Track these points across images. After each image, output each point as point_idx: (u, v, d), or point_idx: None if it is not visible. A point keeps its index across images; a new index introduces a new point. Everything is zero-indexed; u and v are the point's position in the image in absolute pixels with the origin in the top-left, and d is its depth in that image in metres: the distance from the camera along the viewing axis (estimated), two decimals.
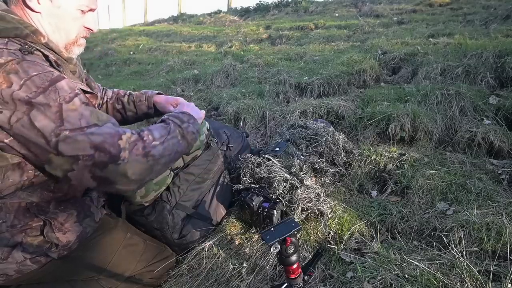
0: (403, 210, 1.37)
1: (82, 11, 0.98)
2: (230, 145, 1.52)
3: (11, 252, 0.97)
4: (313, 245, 1.27)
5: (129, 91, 1.43)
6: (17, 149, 0.85)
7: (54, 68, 0.91)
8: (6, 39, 0.86)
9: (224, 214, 1.44)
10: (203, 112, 1.27)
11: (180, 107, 1.23)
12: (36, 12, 0.92)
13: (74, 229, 1.04)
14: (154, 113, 1.40)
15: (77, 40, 1.02)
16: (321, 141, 1.66)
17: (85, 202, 1.11)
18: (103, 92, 1.38)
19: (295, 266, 0.93)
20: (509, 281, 0.93)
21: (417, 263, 1.00)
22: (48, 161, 0.85)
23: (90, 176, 0.87)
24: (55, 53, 0.95)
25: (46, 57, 0.90)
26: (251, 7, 9.33)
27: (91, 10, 1.00)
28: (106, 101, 1.38)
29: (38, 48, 0.90)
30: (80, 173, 0.86)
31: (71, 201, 1.06)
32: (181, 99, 1.36)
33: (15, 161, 0.88)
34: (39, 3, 0.91)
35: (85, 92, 1.04)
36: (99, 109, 1.37)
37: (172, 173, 1.32)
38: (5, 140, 0.83)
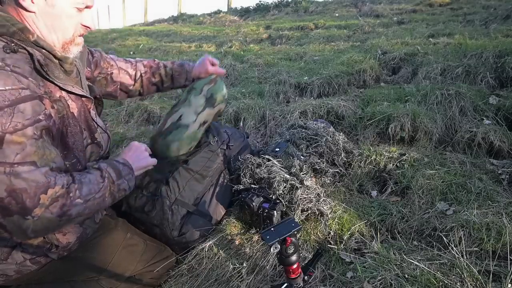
0: (403, 210, 1.37)
1: (78, 9, 0.93)
2: (230, 144, 1.52)
3: (10, 253, 0.97)
4: (313, 245, 1.27)
5: (163, 63, 1.48)
6: None
7: (38, 69, 0.86)
8: None
9: (223, 213, 1.44)
10: (153, 160, 1.18)
11: (126, 152, 1.13)
12: (30, 11, 0.88)
13: (74, 230, 1.04)
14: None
15: (74, 39, 0.97)
16: (321, 142, 1.66)
17: None
18: (135, 68, 1.41)
19: (295, 266, 0.93)
20: (509, 281, 0.93)
21: (417, 263, 1.01)
22: None
23: None
24: (47, 51, 0.90)
25: (31, 55, 0.86)
26: (251, 7, 9.34)
27: (87, 7, 0.96)
28: (141, 75, 1.42)
29: (25, 46, 0.85)
30: None
31: None
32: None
33: None
34: (33, 2, 0.87)
35: (80, 96, 1.01)
36: (135, 84, 1.41)
37: (202, 128, 1.38)
38: None
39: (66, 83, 0.96)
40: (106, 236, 1.15)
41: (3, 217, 0.79)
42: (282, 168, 1.43)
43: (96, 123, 1.08)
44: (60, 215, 0.84)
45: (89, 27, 0.99)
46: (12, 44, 0.83)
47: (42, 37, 0.90)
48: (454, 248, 1.04)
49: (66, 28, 0.93)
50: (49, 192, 0.81)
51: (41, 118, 0.83)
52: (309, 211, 1.31)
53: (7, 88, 0.78)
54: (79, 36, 0.98)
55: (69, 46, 0.97)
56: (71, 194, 0.86)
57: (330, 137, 1.69)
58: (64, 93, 0.95)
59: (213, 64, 1.48)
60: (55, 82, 0.91)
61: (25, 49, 0.85)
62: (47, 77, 0.89)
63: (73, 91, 0.98)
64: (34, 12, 0.88)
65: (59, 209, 0.84)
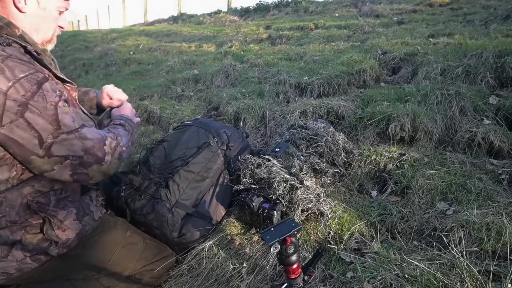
0: (403, 210, 1.37)
1: (60, 12, 1.05)
2: (230, 144, 1.52)
3: (10, 250, 0.98)
4: (313, 245, 1.27)
5: None
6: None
7: (35, 57, 0.93)
8: None
9: (223, 214, 1.44)
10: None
11: (125, 110, 1.32)
12: (22, 12, 0.96)
13: (73, 227, 1.05)
14: (97, 112, 1.44)
15: (52, 38, 1.08)
16: (321, 142, 1.66)
17: (85, 200, 1.12)
18: None
19: (295, 266, 0.93)
20: (509, 281, 0.93)
21: (417, 263, 1.01)
22: (28, 162, 0.90)
23: (69, 174, 0.96)
24: (30, 45, 0.97)
25: (25, 48, 0.92)
26: (251, 7, 9.33)
27: (66, 9, 1.07)
28: None
29: (15, 40, 0.91)
30: (59, 173, 0.95)
31: (70, 199, 1.07)
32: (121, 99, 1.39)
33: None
34: (26, 4, 0.95)
35: (64, 81, 1.06)
36: None
37: None
38: None
39: (57, 72, 1.03)
40: (106, 234, 1.16)
41: (86, 168, 0.98)
42: (282, 168, 1.43)
43: (83, 110, 1.11)
44: (119, 159, 1.08)
45: (63, 27, 1.11)
46: (3, 38, 0.90)
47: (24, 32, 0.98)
48: (454, 248, 1.04)
49: (49, 29, 1.05)
50: (107, 144, 1.03)
51: (58, 93, 0.94)
52: (309, 211, 1.31)
53: (26, 74, 0.86)
54: (56, 35, 1.10)
55: (48, 44, 1.08)
56: (120, 144, 1.09)
57: (330, 137, 1.69)
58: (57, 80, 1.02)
59: (111, 97, 1.40)
60: (50, 68, 0.99)
61: (16, 42, 0.92)
62: (45, 63, 0.97)
63: (63, 77, 1.05)
64: (24, 13, 0.96)
65: (118, 155, 1.07)
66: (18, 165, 0.93)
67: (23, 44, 0.92)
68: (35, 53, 0.94)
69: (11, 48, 0.89)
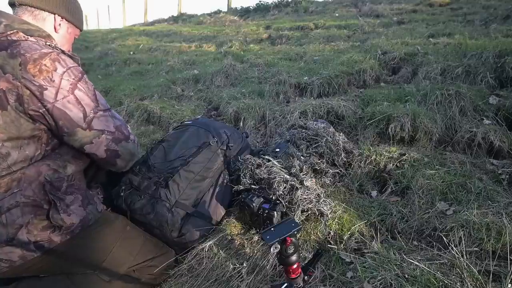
0: (403, 210, 1.37)
1: (74, 38, 1.34)
2: (230, 144, 1.52)
3: (17, 234, 1.03)
4: (313, 245, 1.27)
5: None
6: (47, 120, 1.04)
7: (72, 59, 1.16)
8: (34, 37, 1.09)
9: (223, 214, 1.43)
10: None
11: None
12: (56, 32, 1.24)
13: (78, 212, 1.12)
14: None
15: None
16: (321, 142, 1.66)
17: (89, 192, 1.21)
18: None
19: (295, 266, 0.93)
20: (509, 281, 0.93)
21: (417, 263, 1.01)
22: (73, 134, 1.09)
23: (104, 149, 1.16)
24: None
25: (63, 52, 1.14)
26: (251, 7, 9.33)
27: (78, 36, 1.37)
28: None
29: (55, 46, 1.14)
30: (96, 146, 1.14)
31: (77, 187, 1.15)
32: None
33: (35, 133, 1.05)
34: (60, 26, 1.24)
35: None
36: None
37: None
38: (40, 110, 1.02)
39: None
40: (107, 227, 1.20)
41: (117, 144, 1.19)
42: (282, 169, 1.43)
43: None
44: (137, 145, 1.29)
45: (70, 50, 1.33)
46: (47, 44, 1.12)
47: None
48: (454, 248, 1.04)
49: (68, 48, 1.31)
50: (128, 127, 1.26)
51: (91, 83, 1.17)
52: (309, 212, 1.31)
53: (74, 65, 1.12)
54: None
55: None
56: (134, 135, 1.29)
57: (330, 137, 1.69)
58: None
59: None
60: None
61: (56, 48, 1.14)
62: (78, 63, 1.19)
63: None
64: (57, 33, 1.24)
65: (135, 138, 1.29)
66: (43, 144, 1.08)
67: (61, 48, 1.16)
68: (71, 55, 1.18)
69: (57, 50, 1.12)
